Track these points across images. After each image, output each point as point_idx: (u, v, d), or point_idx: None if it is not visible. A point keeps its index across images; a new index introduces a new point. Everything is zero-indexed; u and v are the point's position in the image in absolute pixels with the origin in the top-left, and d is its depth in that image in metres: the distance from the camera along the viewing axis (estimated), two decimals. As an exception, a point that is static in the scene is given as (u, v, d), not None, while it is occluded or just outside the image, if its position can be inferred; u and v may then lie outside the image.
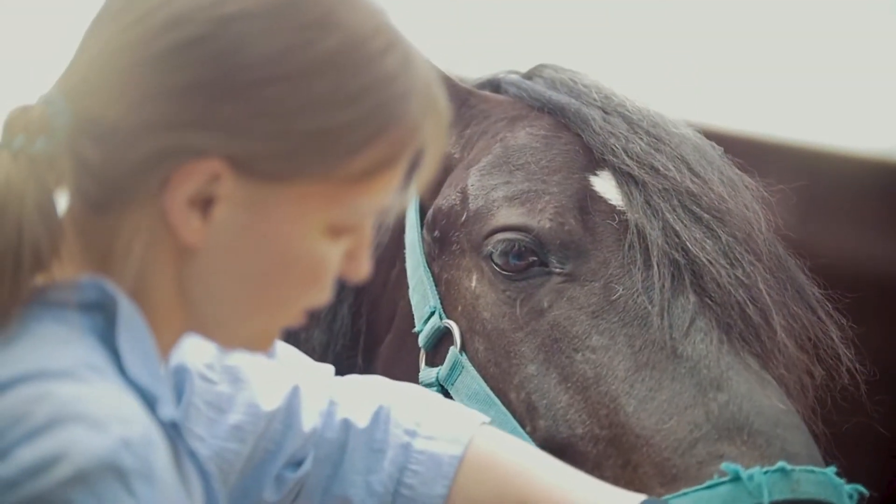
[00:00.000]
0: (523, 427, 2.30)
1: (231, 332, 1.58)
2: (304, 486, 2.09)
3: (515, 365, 2.32)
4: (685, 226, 2.31)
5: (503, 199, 2.39)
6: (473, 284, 2.40)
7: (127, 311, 1.50)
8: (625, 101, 2.51)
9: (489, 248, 2.37)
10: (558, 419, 2.27)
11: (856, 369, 2.41)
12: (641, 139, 2.42)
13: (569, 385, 2.27)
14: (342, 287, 2.57)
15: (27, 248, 1.45)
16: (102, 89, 1.50)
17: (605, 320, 2.29)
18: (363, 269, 1.60)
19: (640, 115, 2.47)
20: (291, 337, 2.65)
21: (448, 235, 2.46)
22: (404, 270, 2.57)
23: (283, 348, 2.18)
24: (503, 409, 2.32)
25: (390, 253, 2.62)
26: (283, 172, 1.51)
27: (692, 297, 2.28)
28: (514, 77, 2.70)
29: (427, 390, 2.22)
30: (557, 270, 2.33)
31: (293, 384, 2.11)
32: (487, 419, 2.14)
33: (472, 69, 2.82)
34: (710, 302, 2.27)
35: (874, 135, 5.28)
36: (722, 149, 2.50)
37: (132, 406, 1.44)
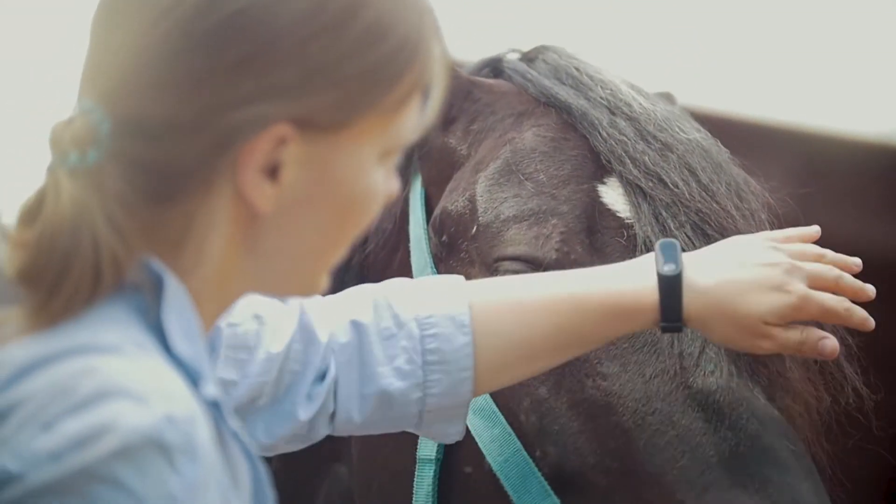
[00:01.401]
0: (531, 450, 2.29)
1: (295, 282, 1.64)
2: (339, 397, 2.14)
3: (526, 385, 2.31)
4: (693, 245, 2.28)
5: (512, 220, 2.36)
6: None
7: (173, 289, 1.51)
8: (631, 100, 2.45)
9: (499, 272, 2.35)
10: (569, 447, 2.26)
11: (862, 389, 2.40)
12: (649, 145, 2.39)
13: (580, 411, 2.25)
14: (345, 270, 2.55)
15: (106, 261, 1.47)
16: (144, 87, 1.51)
17: (615, 346, 2.28)
18: (395, 184, 1.68)
19: (647, 117, 2.43)
20: None
21: (457, 243, 2.44)
22: (408, 256, 2.55)
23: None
24: (508, 428, 2.31)
25: (394, 238, 2.61)
26: (340, 119, 1.56)
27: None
28: (516, 61, 2.66)
29: (403, 278, 2.25)
30: None
31: (299, 305, 2.18)
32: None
33: (470, 47, 2.80)
34: None
35: (875, 118, 5.27)
36: (728, 152, 2.46)
37: (177, 383, 1.45)
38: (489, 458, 2.30)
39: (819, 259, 2.16)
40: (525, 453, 2.28)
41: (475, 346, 2.12)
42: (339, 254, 1.64)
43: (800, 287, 2.11)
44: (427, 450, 2.41)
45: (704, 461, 2.15)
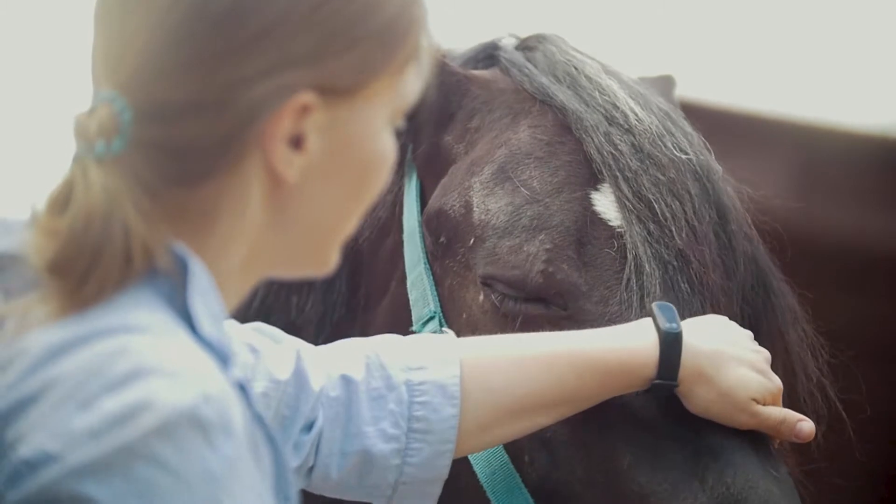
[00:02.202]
0: (521, 455, 2.29)
1: (313, 257, 1.63)
2: (320, 452, 2.13)
3: None
4: (679, 287, 2.28)
5: (504, 233, 2.35)
6: (481, 299, 2.38)
7: (198, 273, 1.51)
8: (627, 110, 2.42)
9: (489, 289, 2.35)
10: (559, 456, 2.27)
11: (846, 414, 2.43)
12: (643, 164, 2.36)
13: (570, 423, 2.24)
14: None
15: (136, 248, 1.47)
16: (165, 72, 1.51)
17: None
18: (395, 150, 1.69)
19: (642, 130, 2.40)
20: (284, 304, 2.64)
21: (454, 246, 2.43)
22: (400, 245, 2.55)
23: (255, 327, 2.21)
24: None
25: (387, 224, 2.60)
26: (357, 81, 1.57)
27: None
28: (513, 51, 2.64)
29: (396, 335, 2.24)
30: (556, 312, 2.31)
31: (295, 348, 2.16)
32: (453, 335, 2.22)
33: (465, 29, 2.78)
34: None
35: (874, 110, 5.28)
36: (721, 169, 2.46)
37: (209, 362, 1.46)
38: (476, 469, 2.31)
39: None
40: (512, 466, 2.29)
41: (463, 403, 2.12)
42: (352, 224, 1.64)
43: (776, 379, 2.21)
44: None
45: (689, 491, 2.16)
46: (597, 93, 2.46)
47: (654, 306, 2.17)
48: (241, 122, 1.51)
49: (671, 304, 2.18)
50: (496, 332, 2.32)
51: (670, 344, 2.13)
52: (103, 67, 1.53)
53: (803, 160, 5.15)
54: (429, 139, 2.54)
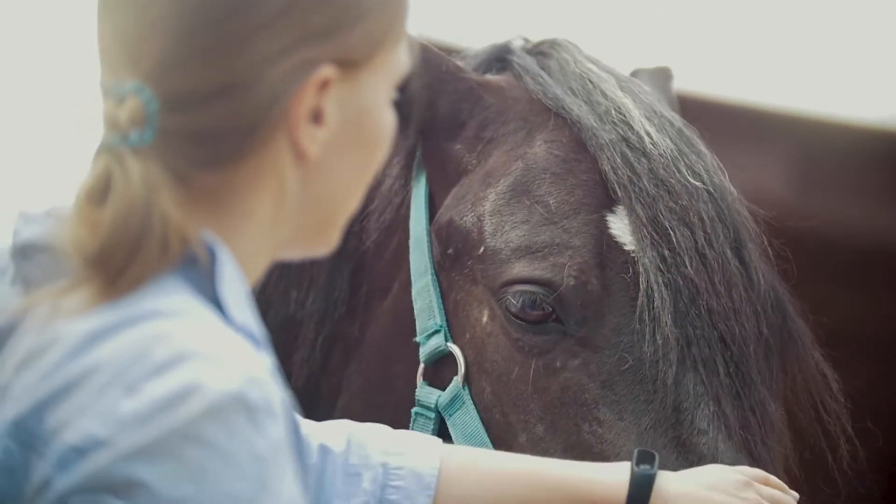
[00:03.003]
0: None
1: (323, 234, 1.65)
2: None
3: (523, 421, 2.30)
4: (688, 314, 2.28)
5: (523, 250, 2.33)
6: (485, 320, 2.36)
7: (226, 260, 1.52)
8: (643, 132, 2.41)
9: (507, 297, 2.32)
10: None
11: (856, 447, 2.42)
12: (658, 189, 2.36)
13: (575, 455, 2.24)
14: (340, 252, 2.53)
15: (173, 237, 1.47)
16: (190, 59, 1.51)
17: (613, 392, 2.27)
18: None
19: (657, 155, 2.39)
20: (283, 298, 2.62)
21: (463, 259, 2.41)
22: (405, 249, 2.53)
23: None
24: None
25: (392, 225, 2.57)
26: (368, 53, 1.59)
27: (697, 377, 2.27)
28: (526, 56, 2.60)
29: (384, 426, 2.21)
30: (572, 333, 2.29)
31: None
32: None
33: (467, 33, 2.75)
34: (710, 389, 2.27)
35: (874, 103, 5.26)
36: (736, 192, 2.44)
37: (248, 346, 1.46)
38: None
39: None
40: None
41: (436, 499, 2.10)
42: (359, 199, 1.66)
43: None
44: None
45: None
46: (613, 110, 2.44)
47: (636, 451, 2.17)
48: (267, 102, 1.53)
49: (653, 452, 2.18)
50: (500, 359, 2.31)
51: (641, 486, 2.14)
52: (124, 58, 1.53)
53: (803, 153, 5.14)
54: (439, 145, 2.51)
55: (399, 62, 1.64)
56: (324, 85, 1.55)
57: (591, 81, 2.47)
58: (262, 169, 1.55)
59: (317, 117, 1.56)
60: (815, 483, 2.37)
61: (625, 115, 2.42)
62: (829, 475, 2.37)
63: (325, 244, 1.66)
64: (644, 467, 2.14)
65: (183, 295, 1.47)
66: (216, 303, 1.50)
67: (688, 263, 2.29)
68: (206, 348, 1.41)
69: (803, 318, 2.43)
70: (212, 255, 1.51)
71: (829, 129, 5.13)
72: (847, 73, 5.26)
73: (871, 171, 5.08)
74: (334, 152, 1.58)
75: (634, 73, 2.79)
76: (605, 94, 2.44)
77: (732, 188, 2.43)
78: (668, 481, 2.15)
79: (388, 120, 1.64)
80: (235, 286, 1.52)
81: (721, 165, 2.45)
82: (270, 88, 1.52)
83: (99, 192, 1.47)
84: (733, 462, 2.21)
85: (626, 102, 2.44)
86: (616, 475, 2.15)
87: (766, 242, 2.43)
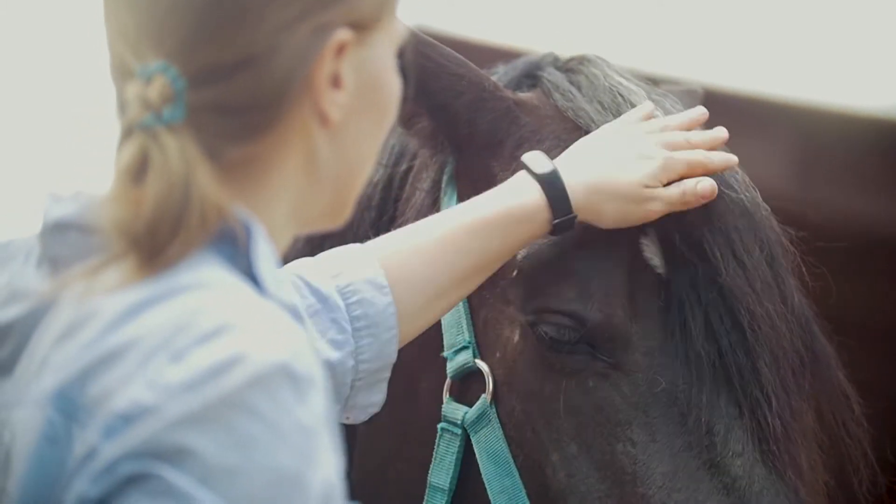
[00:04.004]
0: (541, 470, 2.29)
1: (340, 205, 1.66)
2: None
3: (555, 440, 2.29)
4: (722, 324, 2.28)
5: (554, 274, 2.32)
6: (516, 339, 2.35)
7: (260, 235, 1.53)
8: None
9: (538, 323, 2.31)
10: (578, 475, 2.26)
11: (878, 472, 2.42)
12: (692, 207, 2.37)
13: (607, 474, 2.24)
14: (376, 233, 2.51)
15: (211, 210, 1.47)
16: (211, 33, 1.52)
17: (646, 414, 2.27)
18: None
19: None
20: None
21: (494, 278, 2.39)
22: None
23: None
24: (520, 482, 2.30)
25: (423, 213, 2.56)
26: (378, 16, 1.61)
27: (729, 399, 2.26)
28: (555, 74, 2.59)
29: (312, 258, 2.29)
30: (603, 359, 2.29)
31: None
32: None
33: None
34: (744, 407, 2.27)
35: (875, 93, 5.26)
36: (769, 208, 2.43)
37: (289, 319, 1.47)
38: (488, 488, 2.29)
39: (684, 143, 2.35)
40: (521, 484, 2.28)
41: (397, 306, 2.20)
42: (370, 170, 1.67)
43: (660, 151, 2.31)
44: (439, 478, 2.39)
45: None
46: (644, 125, 2.43)
47: (523, 159, 2.28)
48: (289, 69, 1.54)
49: (536, 151, 2.30)
50: (532, 377, 2.31)
51: (549, 182, 2.25)
52: (145, 39, 1.53)
53: (804, 142, 5.14)
54: (475, 162, 2.50)
55: (398, 27, 1.65)
56: (340, 49, 1.56)
57: (620, 95, 2.47)
58: (290, 139, 1.56)
59: (336, 82, 1.57)
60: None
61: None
62: (854, 498, 2.38)
63: (340, 215, 1.67)
64: (542, 167, 2.25)
65: (219, 269, 1.47)
66: (251, 278, 1.50)
67: (723, 272, 2.28)
68: (250, 319, 1.41)
69: (829, 339, 2.43)
70: (247, 231, 1.51)
71: (831, 119, 5.13)
72: (847, 62, 5.26)
73: (872, 161, 5.08)
74: (351, 117, 1.60)
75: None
76: (633, 107, 2.44)
77: (764, 203, 2.42)
78: (568, 166, 2.27)
79: (396, 84, 1.65)
80: (270, 262, 1.53)
81: (751, 181, 2.44)
82: (291, 56, 1.53)
83: (136, 172, 1.47)
84: (766, 488, 2.22)
85: (653, 102, 2.43)
86: (527, 189, 2.25)
87: (798, 260, 2.42)
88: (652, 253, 2.33)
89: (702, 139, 2.35)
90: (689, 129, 2.37)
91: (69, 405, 1.39)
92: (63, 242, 1.52)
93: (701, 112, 2.39)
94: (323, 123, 1.58)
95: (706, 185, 2.29)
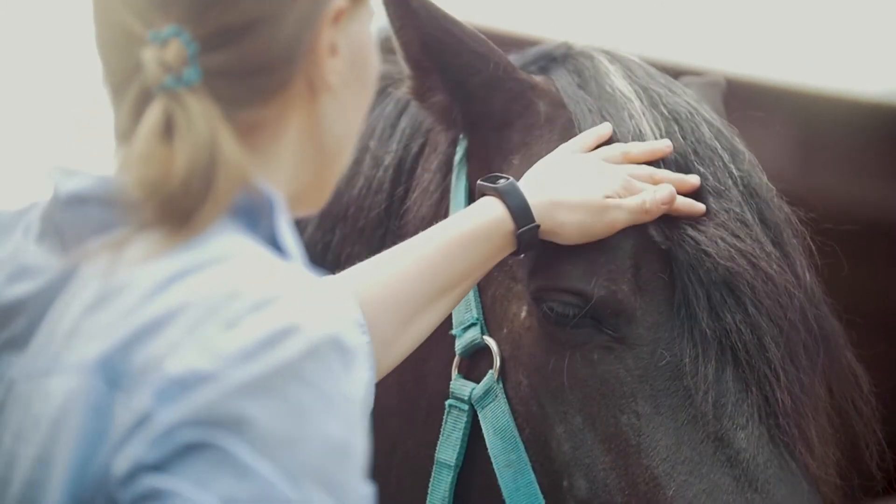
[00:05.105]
0: (559, 479, 2.29)
1: (326, 183, 1.66)
2: None
3: (561, 413, 2.31)
4: (725, 302, 2.28)
5: (560, 252, 2.33)
6: (523, 315, 2.37)
7: (280, 203, 1.53)
8: (684, 133, 2.42)
9: (543, 299, 2.32)
10: (599, 482, 2.27)
11: (885, 448, 2.43)
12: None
13: (611, 446, 2.26)
14: (379, 248, 2.51)
15: (235, 173, 1.47)
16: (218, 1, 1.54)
17: (651, 386, 2.28)
18: None
19: (706, 149, 2.41)
20: (331, 251, 2.64)
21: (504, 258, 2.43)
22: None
23: None
24: (525, 456, 2.32)
25: (431, 220, 2.55)
26: None
27: (735, 375, 2.27)
28: (561, 73, 2.58)
29: None
30: (608, 332, 2.30)
31: None
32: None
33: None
34: (751, 383, 2.27)
35: (876, 78, 5.26)
36: (774, 189, 2.43)
37: (333, 291, 1.48)
38: (501, 483, 2.31)
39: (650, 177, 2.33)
40: (537, 486, 2.29)
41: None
42: (350, 151, 1.67)
43: (620, 172, 2.31)
44: (446, 454, 2.41)
45: None
46: (632, 136, 2.42)
47: (479, 182, 2.30)
48: (296, 32, 1.55)
49: (496, 174, 2.32)
50: (538, 351, 2.32)
51: (509, 193, 2.26)
52: (153, 6, 1.53)
53: (804, 128, 5.14)
54: (487, 141, 2.51)
55: (373, 7, 1.66)
56: (337, 16, 1.57)
57: (614, 101, 2.47)
58: (293, 105, 1.57)
59: (332, 50, 1.58)
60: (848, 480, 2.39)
61: (643, 135, 2.42)
62: (863, 472, 2.39)
63: (319, 198, 1.68)
64: (501, 182, 2.26)
65: (245, 238, 1.47)
66: (275, 247, 1.50)
67: (727, 253, 2.29)
68: (297, 290, 1.42)
69: (838, 318, 2.43)
70: (267, 199, 1.51)
71: (832, 104, 5.13)
72: (849, 47, 5.26)
73: (873, 146, 5.08)
74: (342, 87, 1.61)
75: (685, 84, 2.77)
76: (631, 116, 2.44)
77: (771, 185, 2.43)
78: (527, 179, 2.29)
79: (377, 60, 1.66)
80: (289, 233, 1.53)
81: (759, 164, 2.44)
82: (296, 20, 1.54)
83: (163, 133, 1.47)
84: (771, 460, 2.23)
85: (646, 128, 2.43)
86: (489, 205, 2.26)
87: (808, 240, 2.42)
88: (656, 230, 2.35)
89: (667, 177, 2.33)
90: (650, 159, 2.35)
91: (112, 372, 1.39)
92: (79, 216, 1.51)
93: (665, 144, 2.37)
94: (324, 89, 1.58)
95: (664, 192, 2.28)
